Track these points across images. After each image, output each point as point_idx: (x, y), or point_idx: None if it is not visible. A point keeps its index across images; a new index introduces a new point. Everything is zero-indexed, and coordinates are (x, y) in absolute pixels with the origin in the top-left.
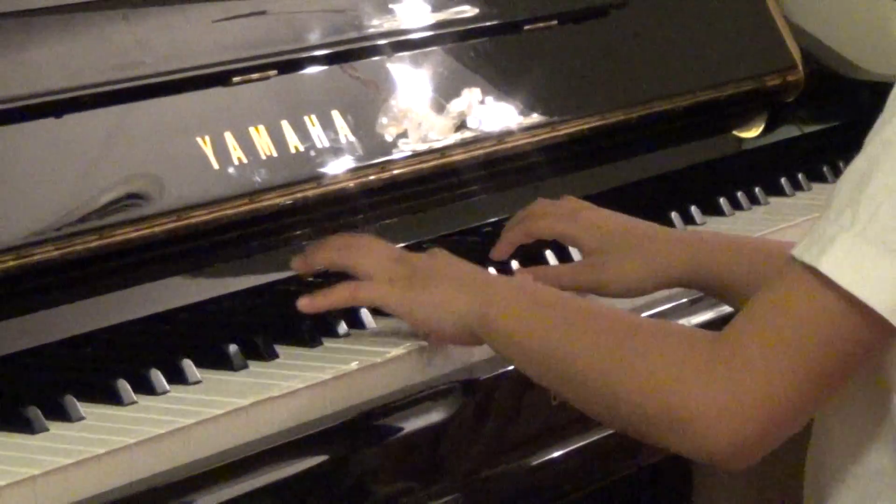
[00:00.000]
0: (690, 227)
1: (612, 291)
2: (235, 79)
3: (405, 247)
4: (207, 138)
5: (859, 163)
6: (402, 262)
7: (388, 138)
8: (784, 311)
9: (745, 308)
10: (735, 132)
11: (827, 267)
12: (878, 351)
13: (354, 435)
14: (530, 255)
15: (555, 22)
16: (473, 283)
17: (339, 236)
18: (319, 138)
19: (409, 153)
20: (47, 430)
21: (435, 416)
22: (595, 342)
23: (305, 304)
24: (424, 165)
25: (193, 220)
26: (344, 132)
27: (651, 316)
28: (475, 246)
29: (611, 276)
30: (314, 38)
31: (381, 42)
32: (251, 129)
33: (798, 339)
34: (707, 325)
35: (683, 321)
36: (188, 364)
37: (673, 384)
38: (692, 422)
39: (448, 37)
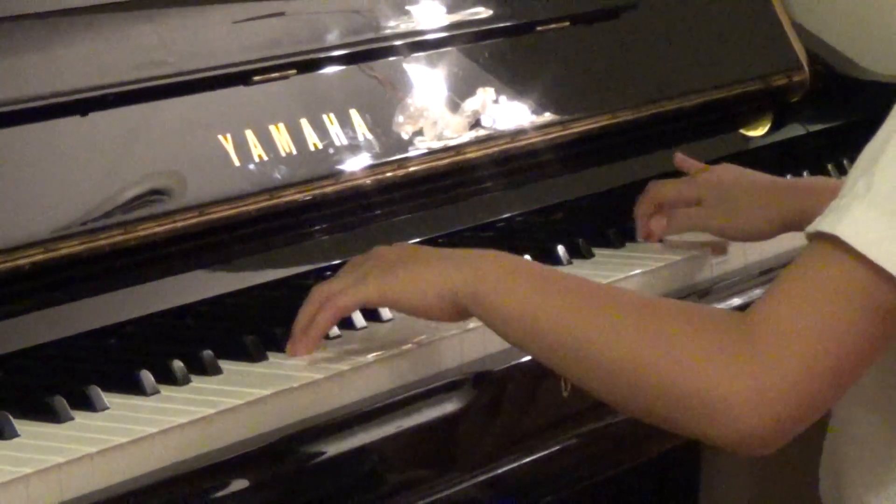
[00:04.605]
0: None
1: (741, 235)
2: (256, 78)
3: (421, 242)
4: (229, 136)
5: (876, 137)
6: (369, 258)
7: (405, 136)
8: (807, 283)
9: (770, 286)
10: (742, 131)
11: (845, 233)
12: None
13: (371, 425)
14: (541, 248)
15: (567, 23)
16: (460, 260)
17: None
18: (338, 136)
19: (425, 151)
20: (72, 419)
21: (448, 408)
22: (613, 323)
23: (297, 349)
24: (440, 163)
25: (215, 216)
26: (361, 130)
27: None
28: (489, 241)
29: (741, 222)
30: (332, 38)
31: (398, 42)
32: (271, 127)
33: (824, 311)
34: None
35: None
36: (209, 355)
37: (699, 367)
38: (721, 406)
39: (463, 37)
